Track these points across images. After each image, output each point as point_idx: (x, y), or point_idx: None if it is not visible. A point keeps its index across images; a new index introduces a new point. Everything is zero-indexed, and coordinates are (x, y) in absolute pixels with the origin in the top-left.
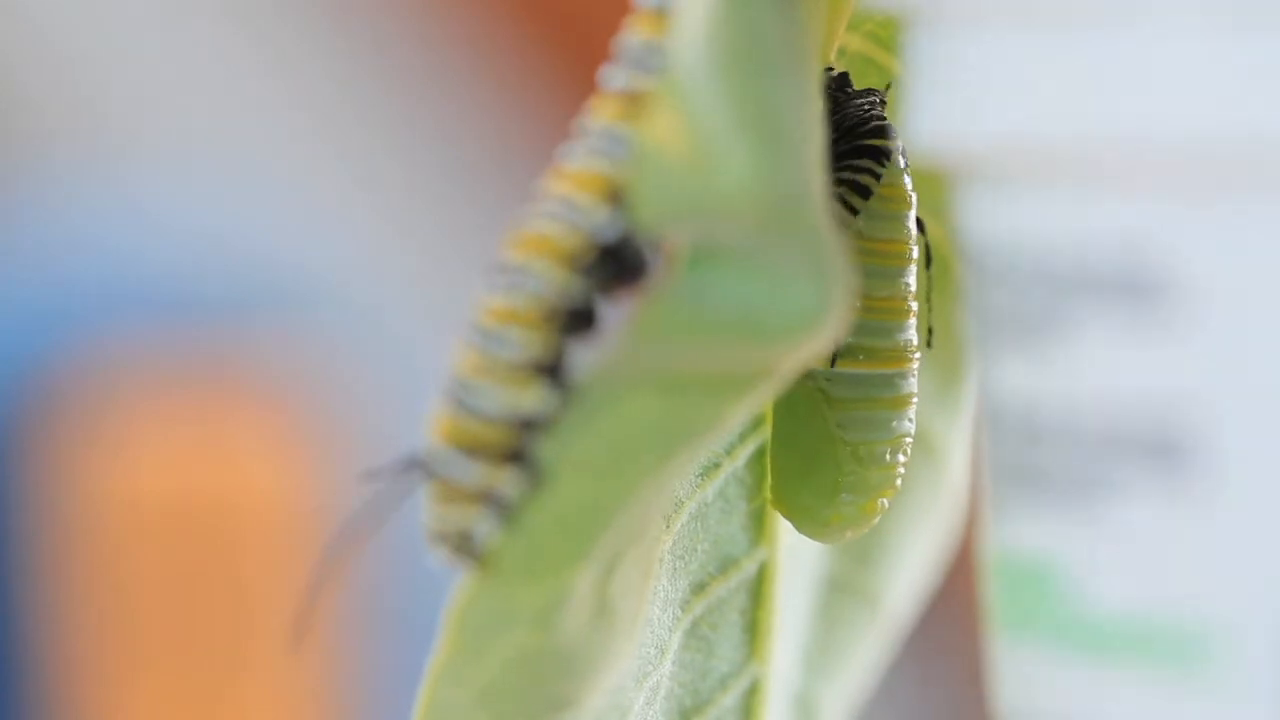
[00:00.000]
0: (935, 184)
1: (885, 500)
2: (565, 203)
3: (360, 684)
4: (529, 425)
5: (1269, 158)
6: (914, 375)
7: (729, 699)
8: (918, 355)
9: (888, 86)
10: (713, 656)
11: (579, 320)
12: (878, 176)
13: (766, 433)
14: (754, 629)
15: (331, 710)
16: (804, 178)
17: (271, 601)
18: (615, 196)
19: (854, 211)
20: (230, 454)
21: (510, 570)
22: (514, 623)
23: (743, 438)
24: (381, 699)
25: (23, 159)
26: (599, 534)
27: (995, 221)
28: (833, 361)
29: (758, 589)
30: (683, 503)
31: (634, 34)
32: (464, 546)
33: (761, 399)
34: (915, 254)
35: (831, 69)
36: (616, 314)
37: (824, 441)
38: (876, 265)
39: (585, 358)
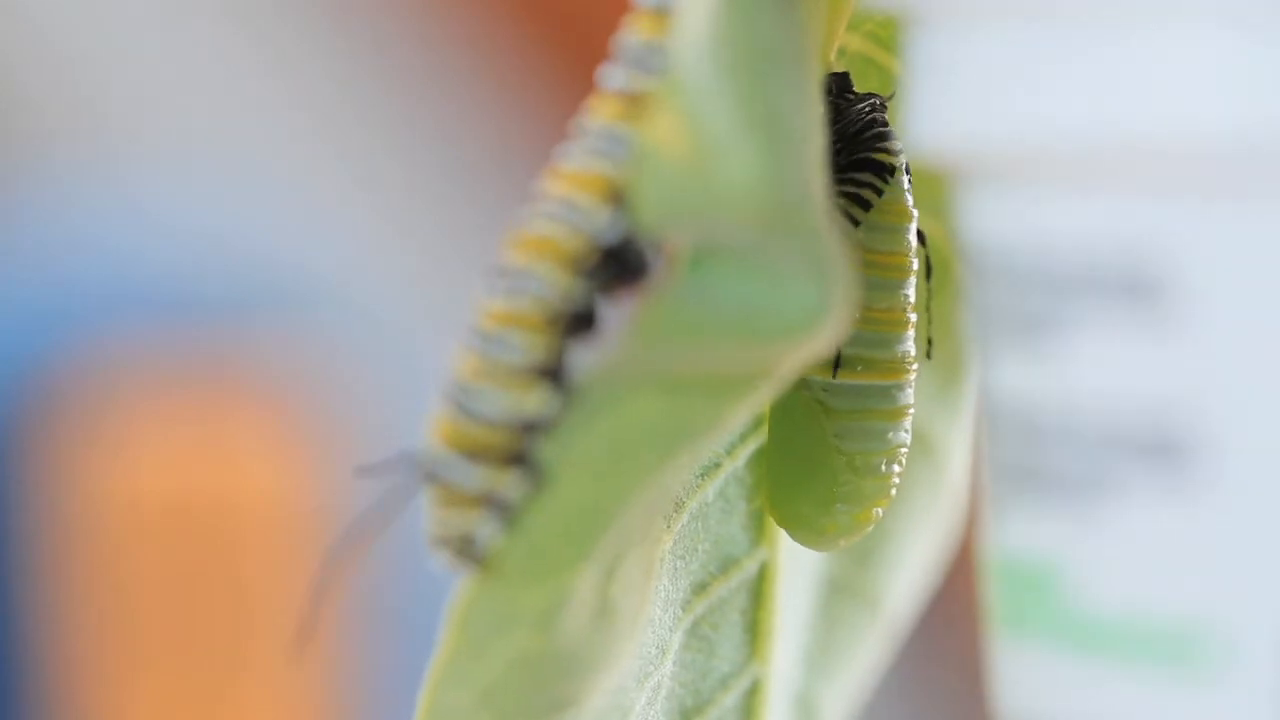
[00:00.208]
0: (935, 184)
1: (880, 510)
2: (566, 204)
3: (361, 685)
4: (531, 428)
5: (1269, 158)
6: (911, 388)
7: (730, 699)
8: (915, 368)
9: (890, 95)
10: (714, 656)
11: (581, 322)
12: (879, 191)
13: (765, 435)
14: (755, 629)
15: (332, 711)
16: (806, 178)
17: (271, 602)
18: (616, 198)
19: (855, 223)
20: (230, 454)
21: (512, 571)
22: (515, 624)
23: (743, 438)
24: (382, 700)
25: (23, 159)
26: (600, 535)
27: (995, 221)
28: (832, 372)
29: (758, 589)
30: (683, 503)
31: (633, 33)
32: (466, 550)
33: (762, 400)
34: (915, 266)
35: (832, 70)
36: (618, 315)
37: (821, 451)
38: (877, 277)
39: (586, 359)
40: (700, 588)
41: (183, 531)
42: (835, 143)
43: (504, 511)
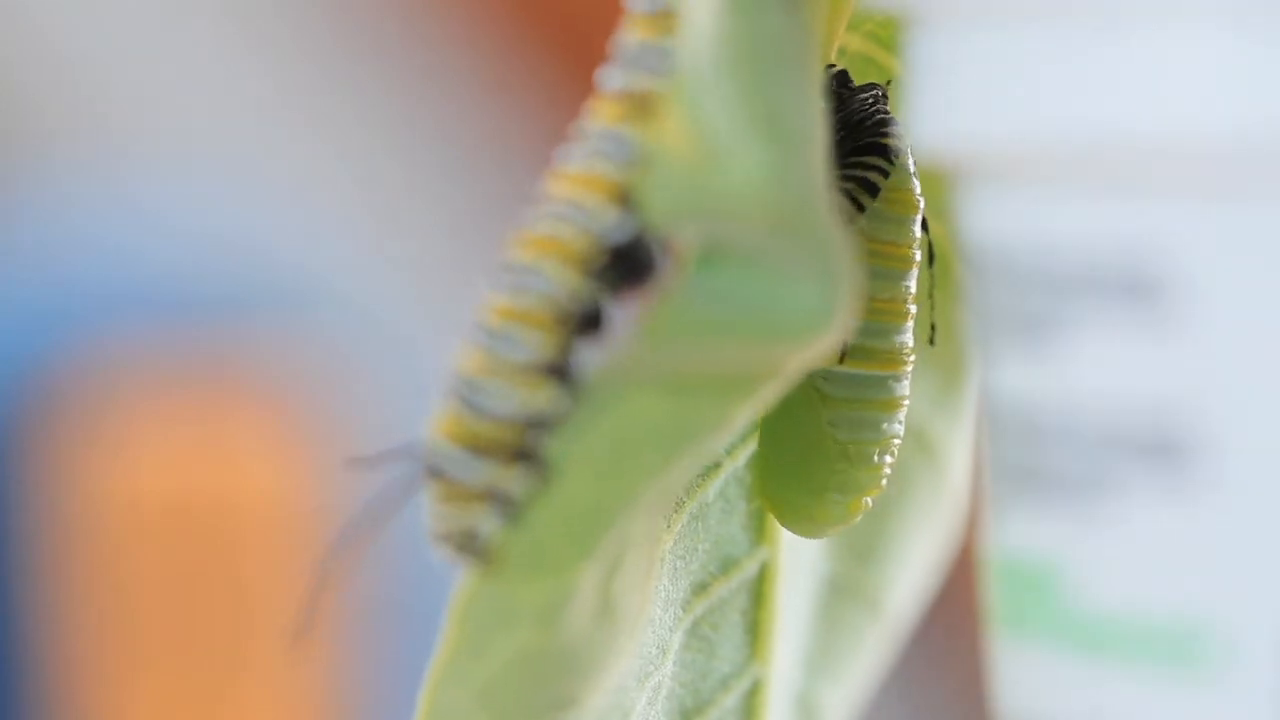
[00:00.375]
0: (936, 184)
1: (870, 499)
2: (572, 205)
3: (361, 683)
4: (536, 425)
5: (1269, 158)
6: (907, 379)
7: (730, 699)
8: (913, 359)
9: (888, 83)
10: (714, 657)
11: (588, 322)
12: (886, 174)
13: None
14: (755, 629)
15: (332, 710)
16: (811, 178)
17: (271, 602)
18: (623, 198)
19: (860, 208)
20: (230, 454)
21: (514, 569)
22: (517, 621)
23: (743, 437)
24: (383, 698)
25: (23, 159)
26: (603, 533)
27: (995, 221)
28: (832, 360)
29: (759, 589)
30: (683, 502)
31: (631, 34)
32: (468, 546)
33: (767, 400)
34: (918, 258)
35: (832, 66)
36: (625, 314)
37: (815, 439)
38: (880, 267)
39: (593, 357)
40: (700, 588)
41: (183, 531)
42: (839, 131)
43: (506, 507)
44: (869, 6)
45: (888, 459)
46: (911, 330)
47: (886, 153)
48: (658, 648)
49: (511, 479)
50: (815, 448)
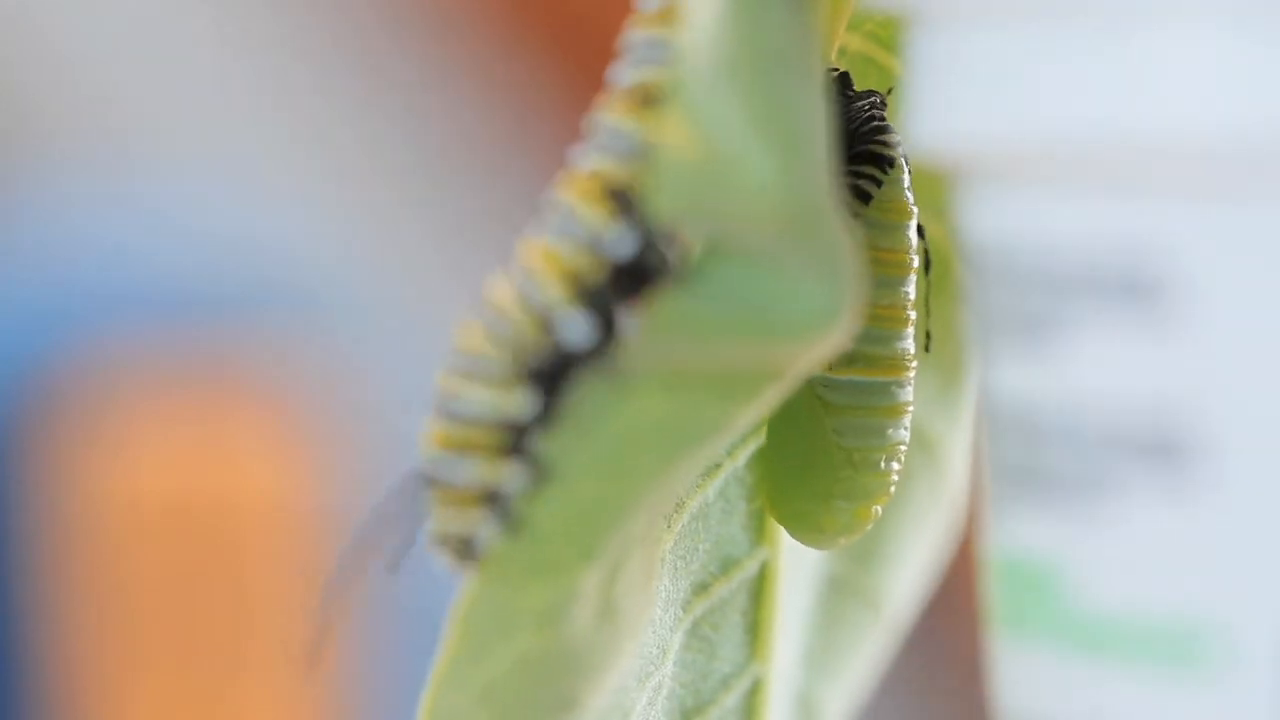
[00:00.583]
0: (935, 184)
1: (878, 507)
2: (574, 218)
3: (362, 685)
4: (516, 427)
5: (1269, 158)
6: (910, 384)
7: (731, 699)
8: (914, 365)
9: (889, 91)
10: (714, 657)
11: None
12: (879, 183)
13: (765, 432)
14: (755, 629)
15: (332, 711)
16: (817, 179)
17: (272, 602)
18: (629, 205)
19: (854, 215)
20: (230, 454)
21: (516, 571)
22: (519, 624)
23: (744, 438)
24: (384, 700)
25: (23, 159)
26: (605, 535)
27: (995, 221)
28: (832, 367)
29: (759, 589)
30: (684, 503)
31: (640, 32)
32: (466, 551)
33: (769, 402)
34: (915, 263)
35: (834, 69)
36: (628, 314)
37: (820, 447)
38: (878, 274)
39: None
40: (701, 588)
41: (183, 531)
42: (836, 136)
43: (503, 511)
44: (869, 6)
45: (894, 465)
46: (912, 336)
47: (880, 161)
48: (658, 648)
49: (503, 477)
50: (821, 455)
